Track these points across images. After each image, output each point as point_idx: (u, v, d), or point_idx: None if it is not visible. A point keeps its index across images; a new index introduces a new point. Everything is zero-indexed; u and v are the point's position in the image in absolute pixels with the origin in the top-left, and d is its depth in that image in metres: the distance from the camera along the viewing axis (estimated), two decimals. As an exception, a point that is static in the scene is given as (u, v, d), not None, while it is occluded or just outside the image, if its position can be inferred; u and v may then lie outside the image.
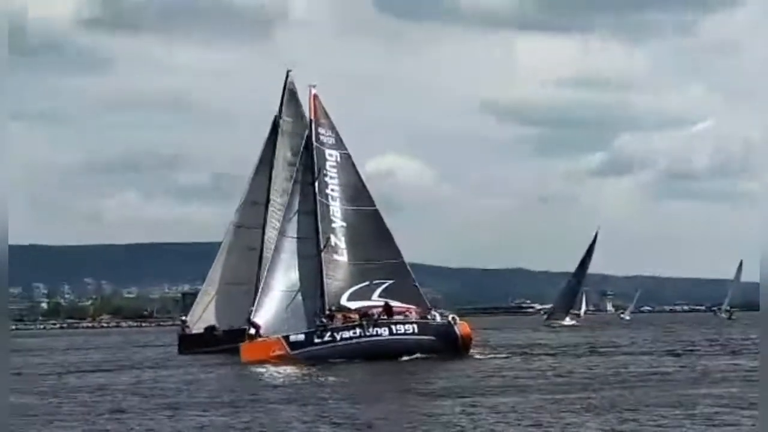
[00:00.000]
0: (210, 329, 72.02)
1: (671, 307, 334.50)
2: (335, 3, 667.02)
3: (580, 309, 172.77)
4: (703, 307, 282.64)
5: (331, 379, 45.06)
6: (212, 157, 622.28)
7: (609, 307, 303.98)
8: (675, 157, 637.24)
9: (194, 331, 73.07)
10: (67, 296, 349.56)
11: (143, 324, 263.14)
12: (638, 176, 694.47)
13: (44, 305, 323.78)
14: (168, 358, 68.16)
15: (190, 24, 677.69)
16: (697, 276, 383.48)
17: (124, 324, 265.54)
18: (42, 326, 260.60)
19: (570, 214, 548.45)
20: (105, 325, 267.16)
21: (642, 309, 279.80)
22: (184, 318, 76.92)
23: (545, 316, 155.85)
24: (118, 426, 30.16)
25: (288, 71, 71.81)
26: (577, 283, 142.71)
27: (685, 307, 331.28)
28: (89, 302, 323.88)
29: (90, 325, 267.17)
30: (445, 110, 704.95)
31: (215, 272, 73.33)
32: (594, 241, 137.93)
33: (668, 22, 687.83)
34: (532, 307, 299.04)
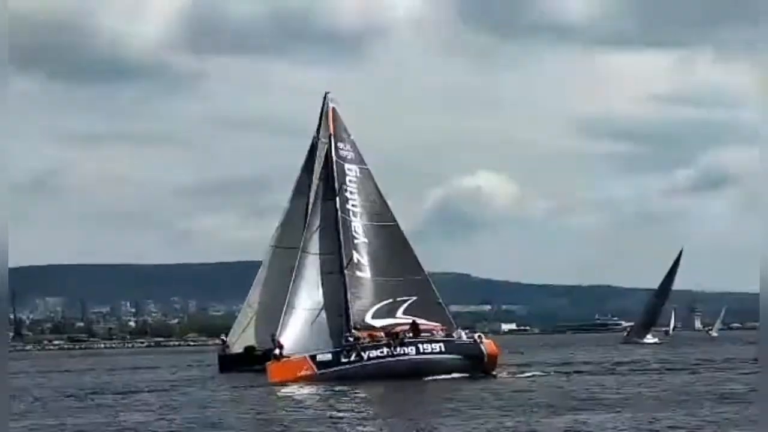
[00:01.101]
0: (250, 349, 71.55)
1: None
2: (425, 21, 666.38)
3: (668, 326, 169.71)
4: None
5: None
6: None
7: (697, 324, 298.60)
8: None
9: (234, 351, 72.58)
10: (153, 314, 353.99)
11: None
12: (729, 192, 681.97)
13: (132, 323, 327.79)
14: (210, 376, 68.05)
15: (288, 44, 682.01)
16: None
17: (210, 342, 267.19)
18: (130, 344, 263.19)
19: (660, 230, 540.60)
20: (192, 343, 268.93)
21: (731, 326, 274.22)
22: (224, 338, 76.53)
23: (625, 334, 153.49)
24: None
25: (326, 93, 70.14)
26: (659, 300, 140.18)
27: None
28: (176, 321, 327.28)
29: (177, 343, 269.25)
30: (536, 126, 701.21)
31: (255, 292, 72.89)
32: (678, 259, 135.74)
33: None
34: (618, 324, 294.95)
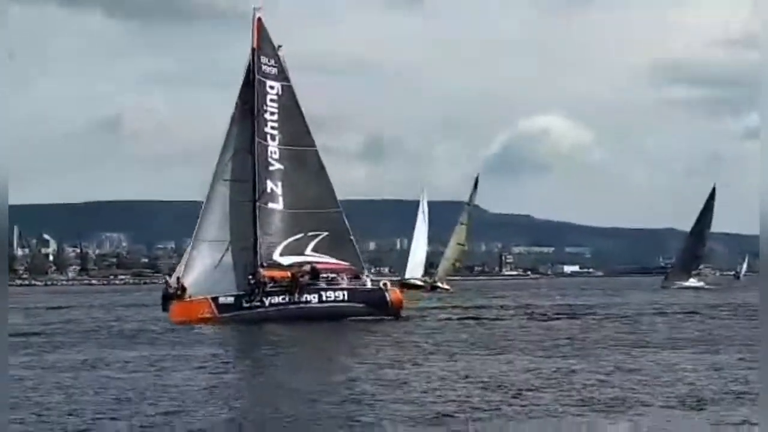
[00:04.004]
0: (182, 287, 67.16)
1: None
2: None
3: (712, 270, 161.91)
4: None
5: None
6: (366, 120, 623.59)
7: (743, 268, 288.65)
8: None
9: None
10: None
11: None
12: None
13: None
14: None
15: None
16: None
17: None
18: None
19: (726, 175, 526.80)
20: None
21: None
22: (167, 277, 71.92)
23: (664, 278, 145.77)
24: None
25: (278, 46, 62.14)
26: (696, 242, 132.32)
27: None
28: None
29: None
30: (603, 70, 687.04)
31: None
32: (711, 198, 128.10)
33: None
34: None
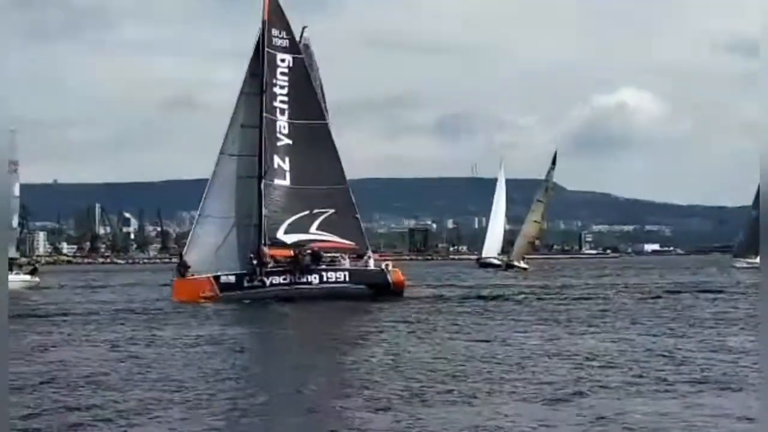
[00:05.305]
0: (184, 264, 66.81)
1: None
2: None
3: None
4: None
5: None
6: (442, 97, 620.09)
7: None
8: None
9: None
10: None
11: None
12: None
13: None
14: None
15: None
16: None
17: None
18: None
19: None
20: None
21: None
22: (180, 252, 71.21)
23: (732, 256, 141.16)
24: None
25: (303, 27, 60.52)
26: (759, 216, 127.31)
27: None
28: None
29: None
30: (683, 43, 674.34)
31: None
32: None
33: None
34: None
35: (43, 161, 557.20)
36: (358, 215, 52.29)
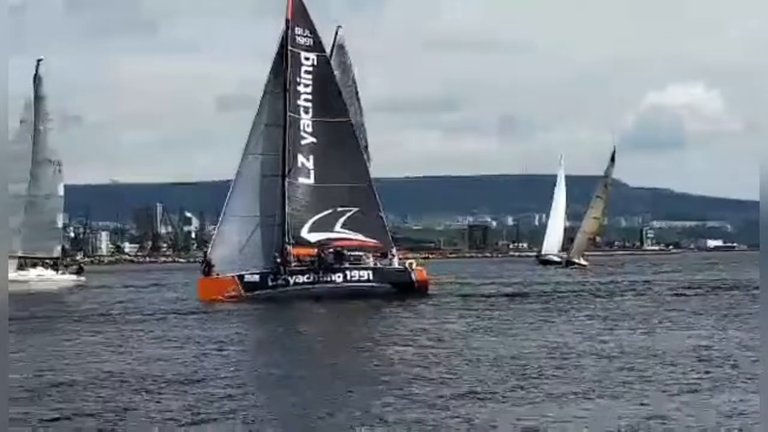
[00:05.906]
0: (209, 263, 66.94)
1: None
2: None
3: None
4: None
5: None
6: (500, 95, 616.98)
7: None
8: None
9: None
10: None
11: (430, 256, 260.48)
12: None
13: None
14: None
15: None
16: None
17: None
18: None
19: None
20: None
21: None
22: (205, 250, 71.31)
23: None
24: None
25: (338, 27, 60.48)
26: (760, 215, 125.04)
27: None
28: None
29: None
30: (742, 40, 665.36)
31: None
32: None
33: None
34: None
35: (101, 162, 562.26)
36: (382, 213, 52.29)
